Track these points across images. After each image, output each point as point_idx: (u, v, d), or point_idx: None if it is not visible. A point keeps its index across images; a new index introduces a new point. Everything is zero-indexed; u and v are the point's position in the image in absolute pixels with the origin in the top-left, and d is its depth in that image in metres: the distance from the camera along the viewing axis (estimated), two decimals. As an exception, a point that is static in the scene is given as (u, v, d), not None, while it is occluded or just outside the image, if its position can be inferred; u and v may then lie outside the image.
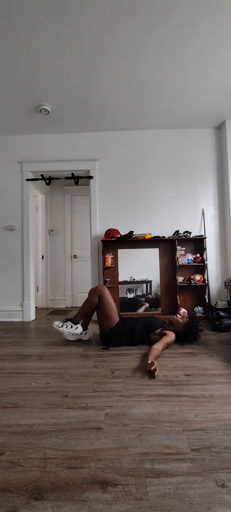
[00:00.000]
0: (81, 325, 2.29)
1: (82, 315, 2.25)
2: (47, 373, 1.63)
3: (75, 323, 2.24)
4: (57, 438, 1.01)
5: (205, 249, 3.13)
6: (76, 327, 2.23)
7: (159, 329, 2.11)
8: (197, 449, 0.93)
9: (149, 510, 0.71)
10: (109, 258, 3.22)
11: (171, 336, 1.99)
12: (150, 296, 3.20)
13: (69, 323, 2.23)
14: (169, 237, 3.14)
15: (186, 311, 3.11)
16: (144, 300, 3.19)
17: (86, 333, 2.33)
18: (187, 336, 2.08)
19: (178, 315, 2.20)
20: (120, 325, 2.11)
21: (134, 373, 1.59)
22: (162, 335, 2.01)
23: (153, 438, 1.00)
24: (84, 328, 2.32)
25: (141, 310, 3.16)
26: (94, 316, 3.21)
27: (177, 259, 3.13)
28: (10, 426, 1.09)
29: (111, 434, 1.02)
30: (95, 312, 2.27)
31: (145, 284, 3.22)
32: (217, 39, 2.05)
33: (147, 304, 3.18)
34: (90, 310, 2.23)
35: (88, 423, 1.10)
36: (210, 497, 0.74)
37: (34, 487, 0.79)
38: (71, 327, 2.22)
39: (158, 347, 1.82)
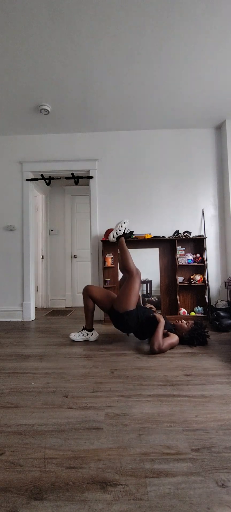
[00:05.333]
0: (88, 326, 2.36)
1: (91, 318, 2.35)
2: (47, 373, 1.63)
3: (90, 330, 2.35)
4: (57, 438, 1.01)
5: (205, 249, 3.13)
6: (92, 334, 2.34)
7: (165, 330, 2.12)
8: (197, 449, 0.93)
9: (149, 510, 0.71)
10: (109, 258, 3.22)
11: (174, 337, 2.02)
12: (153, 299, 3.21)
13: (85, 332, 2.33)
14: (169, 237, 3.14)
15: (186, 311, 3.12)
16: (147, 300, 3.20)
17: (92, 334, 2.34)
18: (192, 342, 2.09)
19: (183, 320, 2.22)
20: (135, 314, 2.10)
21: (133, 373, 1.59)
22: (166, 335, 2.04)
23: (153, 438, 1.00)
24: (90, 328, 2.34)
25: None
26: (96, 316, 3.22)
27: (177, 259, 3.13)
28: (10, 426, 1.09)
29: (111, 434, 1.02)
30: (95, 312, 2.30)
31: (145, 284, 3.22)
32: (217, 39, 2.05)
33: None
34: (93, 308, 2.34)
35: (88, 423, 1.10)
36: (210, 497, 0.74)
37: (34, 487, 0.79)
38: (87, 334, 2.33)
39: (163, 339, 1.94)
